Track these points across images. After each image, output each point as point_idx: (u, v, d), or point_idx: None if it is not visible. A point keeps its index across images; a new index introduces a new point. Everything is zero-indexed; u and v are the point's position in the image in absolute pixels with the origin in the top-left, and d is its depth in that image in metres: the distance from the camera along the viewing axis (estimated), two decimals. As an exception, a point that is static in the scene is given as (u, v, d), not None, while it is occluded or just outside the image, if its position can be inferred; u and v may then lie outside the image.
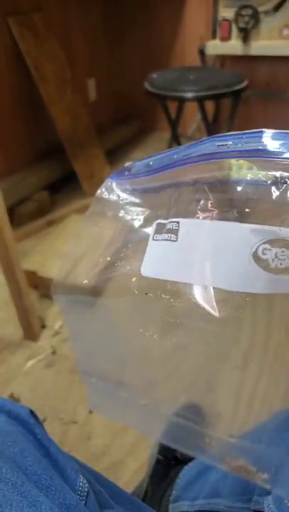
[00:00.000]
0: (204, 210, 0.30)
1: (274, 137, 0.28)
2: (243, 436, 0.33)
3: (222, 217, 0.29)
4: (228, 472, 0.34)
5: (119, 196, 0.38)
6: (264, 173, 0.28)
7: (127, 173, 0.37)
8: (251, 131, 0.29)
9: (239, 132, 0.30)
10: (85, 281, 0.38)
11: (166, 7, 2.26)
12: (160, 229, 0.32)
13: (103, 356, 0.39)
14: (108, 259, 0.37)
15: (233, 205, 0.29)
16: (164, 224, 0.31)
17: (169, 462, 0.68)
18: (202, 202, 0.30)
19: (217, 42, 2.09)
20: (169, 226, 0.30)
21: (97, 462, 0.90)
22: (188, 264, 0.29)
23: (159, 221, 0.32)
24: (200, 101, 1.66)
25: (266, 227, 0.27)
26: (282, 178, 0.27)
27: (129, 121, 2.53)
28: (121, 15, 2.35)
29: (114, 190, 0.38)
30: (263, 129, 0.29)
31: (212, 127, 1.90)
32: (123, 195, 0.38)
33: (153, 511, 0.44)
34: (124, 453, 0.92)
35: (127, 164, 0.39)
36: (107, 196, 0.38)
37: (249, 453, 0.33)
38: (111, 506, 0.39)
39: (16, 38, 1.76)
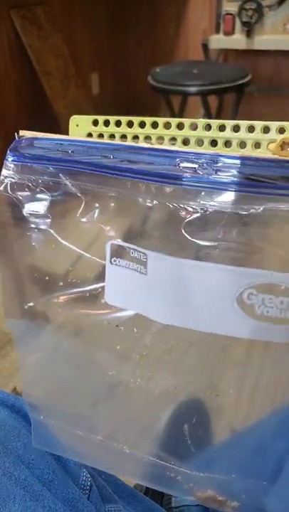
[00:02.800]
0: (173, 242, 0.26)
1: (255, 165, 0.24)
2: (215, 463, 0.32)
3: (196, 254, 0.25)
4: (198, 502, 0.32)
5: (35, 192, 0.29)
6: (246, 207, 0.24)
7: (28, 152, 0.29)
8: (226, 155, 0.24)
9: (211, 153, 0.25)
10: (30, 304, 0.32)
11: (169, 1, 2.24)
12: (119, 253, 0.27)
13: (57, 391, 0.35)
14: (60, 277, 0.31)
15: (208, 238, 0.25)
16: (124, 249, 0.27)
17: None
18: (171, 233, 0.26)
19: (220, 36, 2.08)
20: (134, 255, 0.26)
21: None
22: (164, 302, 0.26)
23: (113, 242, 0.27)
24: (203, 95, 1.66)
25: (254, 271, 0.24)
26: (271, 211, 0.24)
27: (132, 116, 2.51)
28: (125, 9, 2.34)
29: (24, 183, 0.29)
30: (243, 155, 0.24)
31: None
32: (39, 196, 0.29)
33: (155, 505, 0.44)
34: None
35: (22, 133, 0.30)
36: (17, 193, 0.29)
37: (218, 484, 0.31)
38: (114, 500, 0.39)
39: (18, 31, 1.75)
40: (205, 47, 2.11)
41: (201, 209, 0.24)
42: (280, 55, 2.09)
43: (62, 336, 0.33)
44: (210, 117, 1.79)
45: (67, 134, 0.32)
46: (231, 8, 2.01)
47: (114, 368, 0.31)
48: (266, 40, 2.00)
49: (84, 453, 0.34)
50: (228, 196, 0.24)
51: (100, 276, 0.29)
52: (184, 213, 0.25)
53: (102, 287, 0.29)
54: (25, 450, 0.34)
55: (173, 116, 1.88)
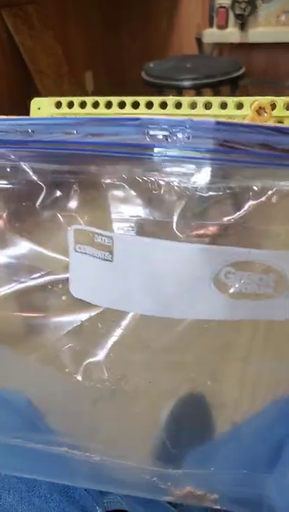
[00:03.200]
0: (140, 224, 0.24)
1: (230, 130, 0.22)
2: (193, 459, 0.30)
3: (164, 232, 0.23)
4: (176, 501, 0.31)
5: None
6: (222, 184, 0.23)
7: None
8: (198, 120, 0.22)
9: (183, 119, 0.22)
10: None
11: (162, -4, 2.23)
12: (83, 239, 0.25)
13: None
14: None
15: (180, 217, 0.23)
16: (88, 234, 0.25)
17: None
18: (136, 211, 0.24)
19: (214, 30, 2.07)
20: (98, 240, 0.24)
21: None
22: (132, 290, 0.24)
23: (76, 227, 0.25)
24: (197, 89, 1.65)
25: (231, 249, 0.23)
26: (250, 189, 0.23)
27: (127, 113, 2.51)
28: (117, 5, 2.33)
29: None
30: (217, 120, 0.22)
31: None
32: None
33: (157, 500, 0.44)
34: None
35: None
36: None
37: (196, 479, 0.29)
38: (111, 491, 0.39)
39: (10, 30, 1.74)
40: (199, 41, 2.10)
41: (171, 187, 0.23)
42: (274, 48, 2.08)
43: (17, 336, 0.30)
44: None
45: None
46: (224, 1, 2.00)
47: (79, 369, 0.28)
48: (260, 32, 1.99)
49: (48, 468, 0.30)
50: (203, 170, 0.22)
51: (62, 269, 0.26)
52: (153, 193, 0.23)
53: (65, 283, 0.27)
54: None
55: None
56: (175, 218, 0.23)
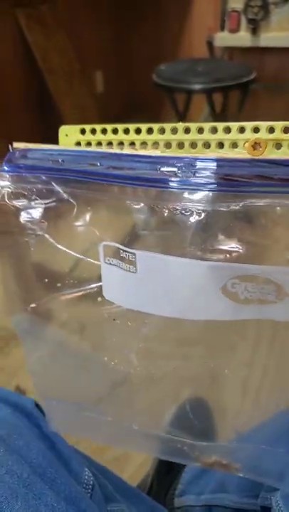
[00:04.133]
0: (159, 241, 0.28)
1: (230, 165, 0.26)
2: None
3: (183, 251, 0.28)
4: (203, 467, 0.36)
5: (30, 200, 0.31)
6: (225, 204, 0.26)
7: (22, 163, 0.31)
8: (202, 157, 0.26)
9: (189, 157, 0.26)
10: (33, 306, 0.35)
11: (174, -2, 2.24)
12: (111, 253, 0.30)
13: (64, 380, 0.38)
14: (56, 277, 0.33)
15: (193, 236, 0.27)
16: (115, 249, 0.29)
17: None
18: (156, 232, 0.28)
19: (226, 34, 2.07)
20: (123, 255, 0.29)
21: (101, 455, 0.90)
22: (154, 296, 0.29)
23: (105, 243, 0.29)
24: (208, 93, 1.65)
25: (235, 265, 0.26)
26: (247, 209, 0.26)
27: (136, 114, 2.52)
28: (129, 5, 2.33)
29: (19, 192, 0.31)
30: (217, 156, 0.26)
31: (220, 120, 1.89)
32: (34, 203, 0.31)
33: (158, 505, 0.44)
34: (129, 446, 0.92)
35: (16, 145, 0.32)
36: (13, 202, 0.31)
37: (221, 451, 0.34)
38: (116, 500, 0.39)
39: (23, 29, 1.75)
40: (210, 44, 2.10)
41: (184, 209, 0.26)
42: (285, 53, 2.08)
43: (65, 332, 0.36)
44: (215, 115, 1.78)
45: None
46: (237, 5, 2.00)
47: (115, 358, 0.34)
48: (272, 37, 1.99)
49: (96, 432, 0.38)
50: (207, 195, 0.26)
51: (97, 276, 0.31)
52: (168, 214, 0.27)
53: (99, 286, 0.31)
54: (28, 449, 0.33)
55: (177, 113, 1.87)
56: (187, 237, 0.27)
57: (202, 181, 0.26)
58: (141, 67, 2.40)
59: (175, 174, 0.26)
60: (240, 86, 1.62)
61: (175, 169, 0.26)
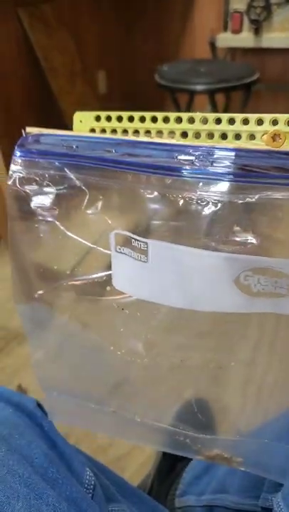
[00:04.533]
0: (172, 231, 0.28)
1: (248, 156, 0.25)
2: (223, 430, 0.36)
3: (196, 241, 0.27)
4: (205, 461, 0.36)
5: (42, 186, 0.30)
6: (241, 196, 0.26)
7: (35, 148, 0.30)
8: (220, 147, 0.26)
9: (207, 146, 0.26)
10: (40, 292, 0.34)
11: (177, -2, 2.24)
12: (122, 242, 0.29)
13: (69, 370, 0.38)
14: (66, 265, 0.33)
15: (206, 226, 0.27)
16: (126, 238, 0.29)
17: (175, 456, 0.67)
18: (169, 221, 0.28)
19: (228, 34, 2.07)
20: (135, 244, 0.28)
21: (103, 455, 0.90)
22: (165, 286, 0.29)
23: (116, 232, 0.29)
24: (210, 94, 1.65)
25: (249, 257, 0.26)
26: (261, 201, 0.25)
27: (138, 114, 2.51)
28: (132, 6, 2.33)
29: (31, 178, 0.30)
30: (237, 147, 0.25)
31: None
32: (46, 189, 0.30)
33: (159, 505, 0.44)
34: (130, 445, 0.92)
35: (28, 130, 0.31)
36: (25, 187, 0.31)
37: (223, 445, 0.34)
38: (117, 500, 0.39)
39: (26, 28, 1.75)
40: (212, 45, 2.10)
41: (199, 199, 0.26)
42: (288, 53, 2.08)
43: (72, 321, 0.35)
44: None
45: (72, 129, 0.34)
46: (239, 5, 2.00)
47: (122, 348, 0.34)
48: (274, 38, 1.99)
49: (97, 423, 0.38)
50: (224, 186, 0.25)
51: (106, 265, 0.30)
52: (182, 204, 0.26)
53: (109, 275, 0.31)
54: (30, 448, 0.33)
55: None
56: (202, 228, 0.27)
57: (219, 171, 0.25)
58: (143, 68, 2.40)
59: (192, 163, 0.26)
60: (243, 87, 1.62)
61: (192, 158, 0.26)
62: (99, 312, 0.34)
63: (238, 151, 0.25)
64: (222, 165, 0.25)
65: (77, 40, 2.02)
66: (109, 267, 0.30)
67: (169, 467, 0.66)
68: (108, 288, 0.31)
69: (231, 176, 0.25)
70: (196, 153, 0.26)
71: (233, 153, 0.25)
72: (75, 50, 1.95)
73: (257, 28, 1.97)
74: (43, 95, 1.90)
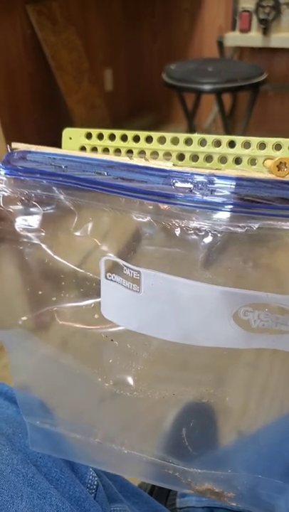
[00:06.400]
0: (166, 259, 0.26)
1: (250, 186, 0.24)
2: (214, 462, 0.33)
3: (191, 273, 0.25)
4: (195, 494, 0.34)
5: (28, 206, 0.28)
6: (242, 225, 0.24)
7: (21, 165, 0.28)
8: (221, 175, 0.24)
9: (207, 173, 0.24)
10: (24, 318, 0.32)
11: (185, -4, 2.23)
12: (113, 268, 0.27)
13: (53, 400, 0.36)
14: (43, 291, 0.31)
15: (203, 257, 0.25)
16: (117, 265, 0.27)
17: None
18: (163, 248, 0.26)
19: (236, 33, 2.06)
20: (127, 272, 0.26)
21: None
22: (158, 319, 0.27)
23: (106, 258, 0.27)
24: (218, 93, 1.64)
25: (250, 292, 0.24)
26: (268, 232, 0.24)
27: (144, 113, 2.51)
28: (140, 5, 2.33)
29: (16, 197, 0.29)
30: (239, 176, 0.24)
31: (229, 120, 1.88)
32: (31, 209, 0.28)
33: (160, 505, 0.44)
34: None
35: (14, 146, 0.30)
36: (9, 207, 0.29)
37: (215, 479, 0.32)
38: (119, 500, 0.39)
39: (34, 26, 1.75)
40: (220, 44, 2.10)
41: (196, 228, 0.24)
42: (296, 54, 2.07)
43: (56, 350, 0.33)
44: (224, 116, 1.78)
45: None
46: (248, 5, 1.99)
47: (111, 379, 0.31)
48: (283, 37, 1.98)
49: (82, 454, 0.35)
50: (223, 216, 0.24)
51: (95, 291, 0.29)
52: (178, 232, 0.25)
53: (97, 302, 0.29)
54: None
55: (186, 113, 1.87)
56: (198, 258, 0.25)
57: (219, 201, 0.24)
58: (151, 67, 2.40)
59: (190, 191, 0.24)
60: (250, 87, 1.61)
61: (191, 186, 0.24)
62: (86, 342, 0.31)
63: (239, 180, 0.24)
64: (222, 194, 0.24)
65: (85, 38, 2.02)
66: (98, 294, 0.28)
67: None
68: (96, 316, 0.29)
69: (231, 206, 0.24)
70: (195, 181, 0.24)
71: (233, 183, 0.24)
72: (83, 48, 1.95)
73: (265, 28, 1.96)
74: (50, 93, 1.91)
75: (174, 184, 0.25)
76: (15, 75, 1.78)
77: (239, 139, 0.27)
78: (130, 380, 0.31)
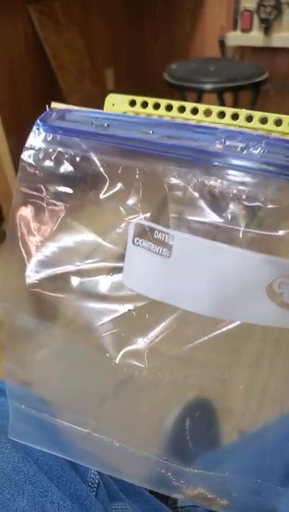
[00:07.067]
0: (204, 226, 0.24)
1: None
2: (212, 462, 0.32)
3: (226, 236, 0.24)
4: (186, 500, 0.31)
5: (59, 166, 0.27)
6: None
7: (58, 123, 0.27)
8: (276, 137, 0.23)
9: (259, 135, 0.23)
10: (31, 280, 0.29)
11: (186, -4, 2.23)
12: (142, 233, 0.25)
13: (46, 381, 0.33)
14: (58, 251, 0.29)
15: (242, 224, 0.24)
16: (149, 228, 0.25)
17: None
18: (201, 213, 0.24)
19: (238, 33, 2.06)
20: (158, 236, 0.25)
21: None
22: (188, 289, 0.25)
23: (137, 221, 0.25)
24: (219, 93, 1.64)
25: (287, 261, 0.23)
26: None
27: (146, 112, 2.51)
28: (141, 4, 2.33)
29: (50, 153, 0.27)
30: None
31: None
32: (65, 166, 0.26)
33: (161, 504, 0.44)
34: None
35: (54, 105, 0.28)
36: (41, 163, 0.27)
37: (210, 481, 0.30)
38: (120, 498, 0.39)
39: (35, 25, 1.75)
40: (222, 44, 2.10)
41: (238, 194, 0.23)
42: (297, 53, 2.07)
43: (66, 324, 0.31)
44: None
45: None
46: (249, 4, 1.99)
47: (119, 355, 0.29)
48: (284, 37, 1.98)
49: (64, 446, 0.33)
50: (271, 181, 0.22)
51: (117, 260, 0.27)
52: (219, 197, 0.23)
53: (116, 273, 0.27)
54: None
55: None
56: (238, 225, 0.24)
57: (272, 160, 0.22)
58: (152, 66, 2.39)
59: (242, 150, 0.23)
60: (252, 86, 1.61)
61: (243, 145, 0.23)
62: (99, 312, 0.29)
63: None
64: (274, 155, 0.22)
65: (86, 38, 2.02)
66: (120, 261, 0.27)
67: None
68: (114, 285, 0.27)
69: (282, 168, 0.22)
70: (248, 141, 0.23)
71: (287, 144, 0.22)
72: (84, 48, 1.95)
73: (267, 27, 1.96)
74: (52, 92, 1.91)
75: (224, 143, 0.23)
76: (16, 74, 1.78)
77: (271, 116, 0.26)
78: (142, 357, 0.28)
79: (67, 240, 0.29)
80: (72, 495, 0.32)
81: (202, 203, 0.24)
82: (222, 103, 1.70)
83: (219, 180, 0.23)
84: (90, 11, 2.08)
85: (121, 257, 0.27)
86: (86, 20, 2.07)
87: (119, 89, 2.36)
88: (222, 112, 0.27)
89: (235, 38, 2.07)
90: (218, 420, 0.33)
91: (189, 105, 0.28)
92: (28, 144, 0.27)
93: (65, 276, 0.29)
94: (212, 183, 0.23)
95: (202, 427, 0.32)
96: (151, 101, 0.29)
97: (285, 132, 0.26)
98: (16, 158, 1.48)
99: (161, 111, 0.29)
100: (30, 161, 0.27)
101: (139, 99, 0.29)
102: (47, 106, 0.29)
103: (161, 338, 0.28)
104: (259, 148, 0.22)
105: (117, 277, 0.27)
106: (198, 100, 1.92)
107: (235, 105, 2.21)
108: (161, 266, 0.25)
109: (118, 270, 0.27)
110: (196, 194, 0.24)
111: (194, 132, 0.24)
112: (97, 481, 0.36)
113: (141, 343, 0.28)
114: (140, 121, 0.25)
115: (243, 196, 0.23)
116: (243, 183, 0.23)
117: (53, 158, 0.27)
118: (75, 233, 0.28)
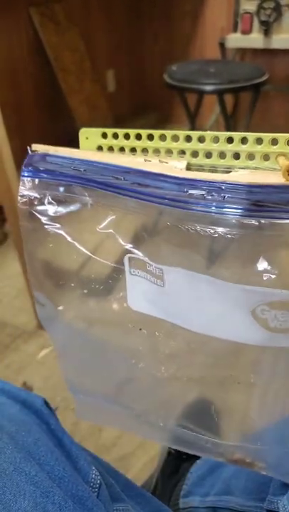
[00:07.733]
0: (183, 257, 0.27)
1: (262, 191, 0.24)
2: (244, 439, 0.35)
3: (209, 271, 0.26)
4: (230, 464, 0.36)
5: (52, 206, 0.31)
6: (255, 230, 0.24)
7: (43, 167, 0.30)
8: (232, 182, 0.25)
9: (219, 182, 0.25)
10: (60, 308, 0.35)
11: (186, -2, 2.24)
12: (136, 265, 0.29)
13: (92, 376, 0.39)
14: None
15: (219, 258, 0.27)
16: (141, 261, 0.28)
17: (180, 456, 0.67)
18: (178, 248, 0.27)
19: (238, 35, 2.07)
20: (150, 269, 0.28)
21: (107, 454, 0.90)
22: (182, 311, 0.28)
23: (130, 255, 0.28)
24: (219, 94, 1.65)
25: (265, 289, 0.25)
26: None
27: (146, 113, 2.52)
28: (142, 6, 2.33)
29: (43, 198, 0.30)
30: (250, 183, 0.24)
31: (231, 121, 1.88)
32: (56, 208, 0.30)
33: (163, 505, 0.44)
34: (134, 445, 0.92)
35: (34, 147, 0.31)
36: (37, 207, 0.31)
37: (245, 450, 0.34)
38: (122, 499, 0.39)
39: (36, 27, 1.76)
40: (222, 45, 2.10)
41: (211, 232, 0.25)
42: (297, 55, 2.07)
43: (92, 333, 0.36)
44: (226, 116, 1.78)
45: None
46: (249, 6, 1.99)
47: (139, 362, 0.34)
48: (284, 39, 1.98)
49: (122, 424, 0.40)
50: (237, 221, 0.24)
51: (117, 280, 0.30)
52: (192, 234, 0.26)
53: (121, 293, 0.31)
54: (36, 446, 0.34)
55: (188, 114, 1.87)
56: (212, 258, 0.27)
57: (232, 206, 0.24)
58: (152, 67, 2.40)
59: (203, 197, 0.25)
60: (252, 87, 1.61)
61: (203, 192, 0.25)
62: (112, 330, 0.34)
63: (251, 186, 0.24)
64: (234, 200, 0.24)
65: (87, 39, 2.02)
66: (120, 281, 0.30)
67: (174, 467, 0.66)
68: (125, 305, 0.31)
69: (244, 211, 0.24)
70: (208, 188, 0.25)
71: (245, 189, 0.24)
72: (85, 49, 1.96)
73: (267, 29, 1.97)
74: (53, 93, 1.91)
75: (187, 191, 0.26)
76: (18, 76, 1.79)
77: (251, 136, 0.28)
78: (158, 362, 0.33)
79: (78, 269, 0.33)
80: (73, 495, 0.32)
81: (181, 240, 0.27)
82: (222, 104, 1.70)
83: (191, 222, 0.26)
84: (90, 13, 2.09)
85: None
86: (87, 21, 2.07)
87: (120, 90, 2.36)
88: (188, 136, 0.29)
89: (236, 40, 2.07)
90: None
91: (157, 133, 0.30)
92: (20, 193, 0.31)
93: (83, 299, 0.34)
94: (186, 224, 0.26)
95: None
96: (121, 132, 0.32)
97: (265, 152, 0.28)
98: (17, 159, 1.48)
99: (132, 141, 0.31)
100: (27, 206, 0.31)
101: (109, 132, 0.32)
102: (28, 148, 0.31)
103: (171, 347, 0.32)
104: (219, 195, 0.25)
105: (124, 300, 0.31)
106: (199, 101, 1.93)
107: (235, 106, 2.21)
108: (158, 292, 0.29)
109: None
110: (176, 232, 0.27)
111: (160, 181, 0.27)
112: (98, 481, 0.36)
113: (156, 352, 0.33)
114: (112, 168, 0.28)
115: (215, 235, 0.25)
116: (211, 223, 0.25)
117: (44, 200, 0.31)
118: (81, 264, 0.31)
